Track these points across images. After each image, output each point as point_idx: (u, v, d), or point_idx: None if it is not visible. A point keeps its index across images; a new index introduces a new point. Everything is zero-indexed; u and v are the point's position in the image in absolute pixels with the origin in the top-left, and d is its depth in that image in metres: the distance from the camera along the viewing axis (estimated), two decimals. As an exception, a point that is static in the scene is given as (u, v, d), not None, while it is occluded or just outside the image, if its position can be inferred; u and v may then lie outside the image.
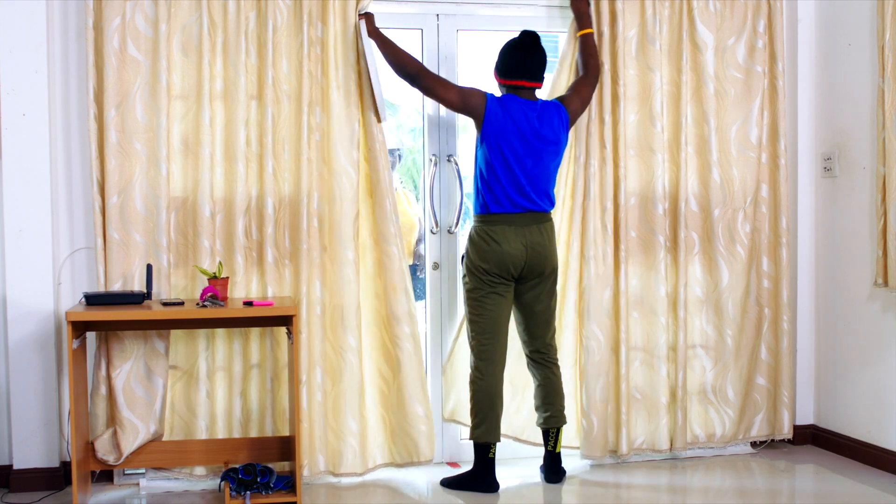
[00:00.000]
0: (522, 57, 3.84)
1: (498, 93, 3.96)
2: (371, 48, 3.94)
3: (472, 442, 3.93)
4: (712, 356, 4.36)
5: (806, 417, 4.57)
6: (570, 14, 4.22)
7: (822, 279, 4.51)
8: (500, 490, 3.90)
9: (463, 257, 3.98)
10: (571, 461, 4.22)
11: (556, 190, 4.06)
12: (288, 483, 3.73)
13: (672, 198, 4.27)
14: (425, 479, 4.10)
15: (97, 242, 3.80)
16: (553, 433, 3.98)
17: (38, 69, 3.81)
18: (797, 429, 4.53)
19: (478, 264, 3.85)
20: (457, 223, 4.25)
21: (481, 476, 3.90)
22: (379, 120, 3.96)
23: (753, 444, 4.50)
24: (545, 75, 3.97)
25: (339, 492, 3.91)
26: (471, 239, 3.91)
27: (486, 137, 3.81)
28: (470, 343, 3.93)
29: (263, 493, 3.65)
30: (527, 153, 3.81)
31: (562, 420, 3.99)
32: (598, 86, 4.12)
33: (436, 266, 4.27)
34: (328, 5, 3.91)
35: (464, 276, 3.95)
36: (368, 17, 3.94)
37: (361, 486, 3.98)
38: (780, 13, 4.34)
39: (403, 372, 3.99)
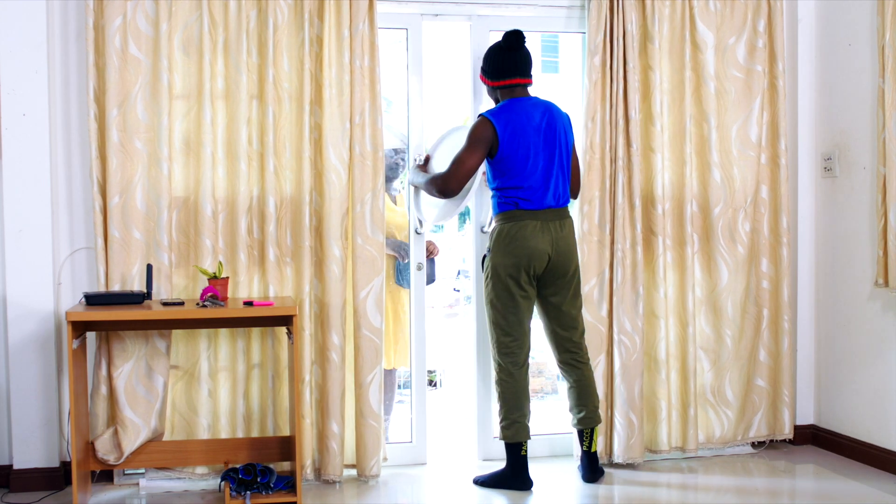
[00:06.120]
0: (512, 56, 3.84)
1: (487, 97, 4.00)
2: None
3: (503, 442, 3.92)
4: (711, 357, 4.36)
5: (806, 417, 4.57)
6: (573, 14, 4.23)
7: (822, 279, 4.51)
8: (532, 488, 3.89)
9: (484, 257, 3.94)
10: (564, 461, 4.23)
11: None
12: (288, 483, 3.73)
13: (675, 198, 4.28)
14: (426, 478, 4.10)
15: (97, 242, 3.80)
16: (588, 433, 3.96)
17: (38, 69, 3.81)
18: (798, 429, 4.53)
19: (503, 261, 3.79)
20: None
21: (516, 474, 3.88)
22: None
23: (754, 445, 4.50)
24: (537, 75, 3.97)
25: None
26: (496, 236, 3.85)
27: (504, 145, 3.78)
28: (494, 345, 3.90)
29: (263, 493, 3.65)
30: (539, 147, 3.80)
31: (596, 419, 3.97)
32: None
33: (420, 267, 4.26)
34: (325, 3, 3.91)
35: (486, 279, 3.88)
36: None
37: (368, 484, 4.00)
38: (780, 13, 4.34)
39: None
